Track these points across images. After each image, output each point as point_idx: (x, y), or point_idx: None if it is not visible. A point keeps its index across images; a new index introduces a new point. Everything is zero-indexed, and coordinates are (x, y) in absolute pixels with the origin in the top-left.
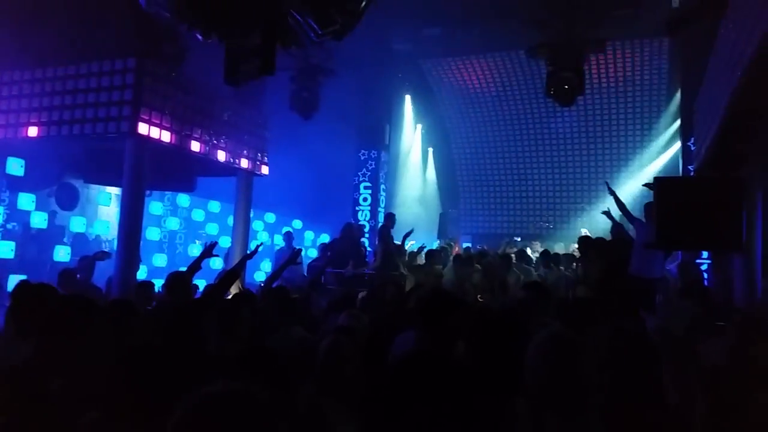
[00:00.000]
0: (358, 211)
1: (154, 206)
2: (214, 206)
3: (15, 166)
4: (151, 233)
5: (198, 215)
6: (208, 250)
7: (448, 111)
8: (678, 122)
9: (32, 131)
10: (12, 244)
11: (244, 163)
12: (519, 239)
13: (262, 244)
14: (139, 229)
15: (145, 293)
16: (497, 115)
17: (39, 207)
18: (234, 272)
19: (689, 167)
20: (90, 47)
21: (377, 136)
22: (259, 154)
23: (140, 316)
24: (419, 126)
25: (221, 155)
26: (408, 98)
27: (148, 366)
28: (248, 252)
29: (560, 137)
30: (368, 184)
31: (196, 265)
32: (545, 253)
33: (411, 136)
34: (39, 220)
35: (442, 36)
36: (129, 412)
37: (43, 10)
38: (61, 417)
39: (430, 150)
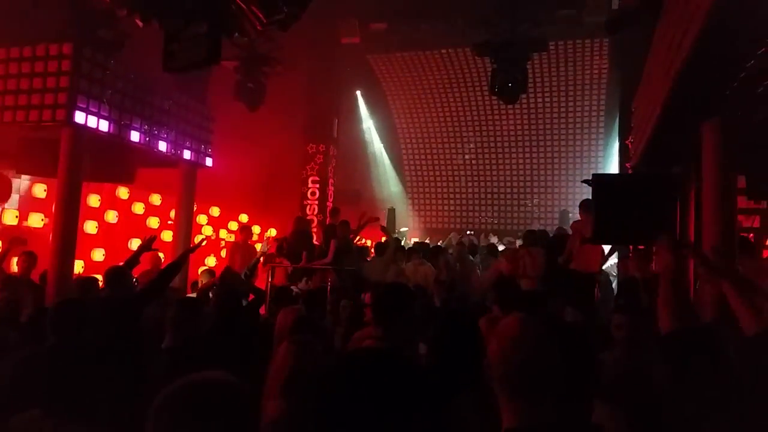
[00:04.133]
0: (306, 205)
1: (92, 199)
2: (155, 199)
3: None
4: (89, 227)
5: (138, 208)
6: (147, 244)
7: (395, 106)
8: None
9: None
10: None
11: (187, 155)
12: (471, 232)
13: (206, 238)
14: (75, 223)
15: (89, 288)
16: (444, 111)
17: None
18: (176, 266)
19: (626, 165)
20: (24, 30)
21: (325, 130)
22: (203, 146)
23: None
24: (371, 121)
25: (162, 146)
26: (359, 93)
27: (89, 360)
28: (191, 246)
29: (505, 134)
30: (316, 178)
31: (134, 259)
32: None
33: (361, 130)
34: None
35: (389, 31)
36: (69, 408)
37: None
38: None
39: (381, 146)
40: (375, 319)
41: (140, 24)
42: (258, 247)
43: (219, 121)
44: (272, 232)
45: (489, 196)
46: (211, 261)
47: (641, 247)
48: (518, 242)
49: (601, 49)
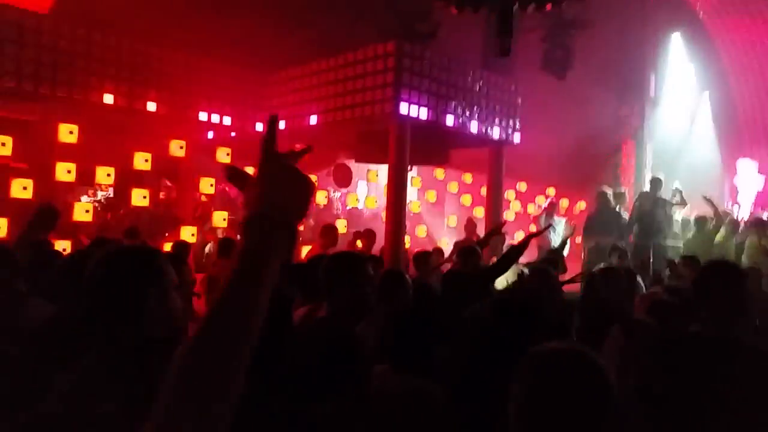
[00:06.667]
0: (619, 174)
1: (414, 180)
2: (467, 178)
3: None
4: (413, 206)
5: (452, 187)
6: (497, 229)
7: (725, 46)
8: None
9: (312, 120)
10: None
11: (496, 133)
12: None
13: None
14: (404, 203)
15: (425, 261)
16: None
17: (319, 186)
18: (519, 248)
19: None
20: (352, 36)
21: (640, 89)
22: (511, 122)
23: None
24: (692, 67)
25: (474, 126)
26: (677, 36)
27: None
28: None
29: None
30: (631, 143)
31: (485, 241)
32: None
33: (682, 82)
34: (319, 198)
35: None
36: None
37: (309, 11)
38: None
39: (706, 93)
40: (696, 302)
41: (455, 12)
42: (561, 223)
43: (525, 94)
44: (581, 206)
45: None
46: (520, 236)
47: None
48: None
49: None
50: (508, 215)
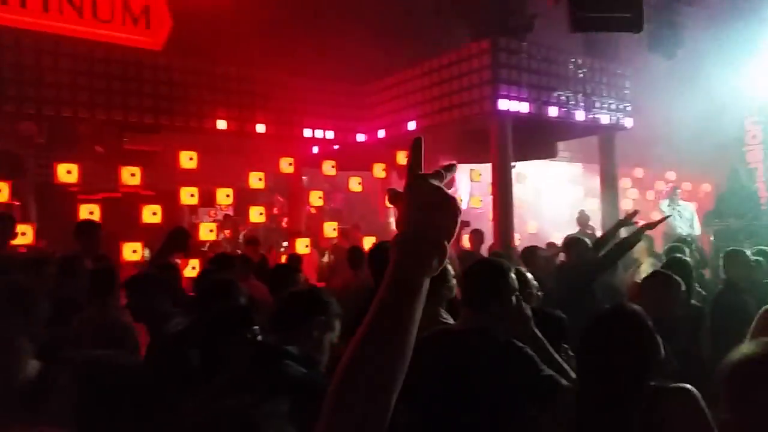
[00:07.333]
0: (747, 151)
1: (520, 176)
2: (577, 168)
3: (401, 158)
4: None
5: (560, 180)
6: (627, 219)
7: None
8: None
9: (411, 125)
10: None
11: (605, 119)
12: None
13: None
14: (510, 200)
15: (532, 254)
16: None
17: None
18: (630, 240)
19: None
20: (447, 39)
21: (759, 59)
22: (620, 107)
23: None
24: None
25: (580, 115)
26: None
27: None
28: (648, 223)
29: None
30: (756, 118)
31: (611, 234)
32: None
33: None
34: None
35: None
36: None
37: (399, 19)
38: None
39: None
40: None
41: (550, 3)
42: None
43: (634, 76)
44: (706, 188)
45: None
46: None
47: None
48: None
49: None
50: (625, 204)
